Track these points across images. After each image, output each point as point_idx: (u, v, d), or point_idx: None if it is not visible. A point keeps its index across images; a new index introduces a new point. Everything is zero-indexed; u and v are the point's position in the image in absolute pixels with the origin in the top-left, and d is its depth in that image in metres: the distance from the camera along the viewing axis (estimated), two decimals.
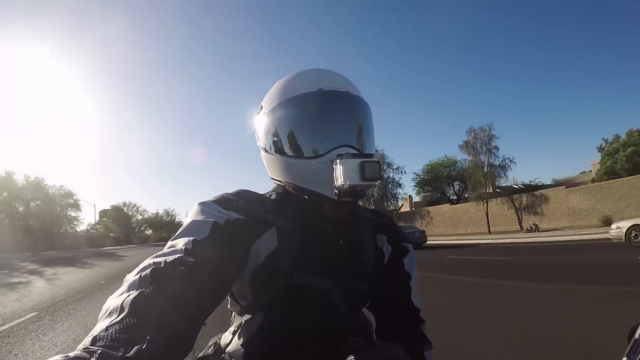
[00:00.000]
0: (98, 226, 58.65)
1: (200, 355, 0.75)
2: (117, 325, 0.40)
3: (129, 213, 69.18)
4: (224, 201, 0.66)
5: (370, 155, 0.67)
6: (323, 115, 0.68)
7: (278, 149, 0.70)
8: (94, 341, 0.38)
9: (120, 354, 0.36)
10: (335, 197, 0.65)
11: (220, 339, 0.77)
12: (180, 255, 0.53)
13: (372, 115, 0.74)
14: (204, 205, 0.65)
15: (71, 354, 0.34)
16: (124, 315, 0.41)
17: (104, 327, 0.40)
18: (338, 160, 0.62)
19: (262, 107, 0.75)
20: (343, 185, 0.62)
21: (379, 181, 0.64)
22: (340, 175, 0.62)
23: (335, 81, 0.71)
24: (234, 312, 0.76)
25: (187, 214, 0.67)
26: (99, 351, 0.35)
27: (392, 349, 0.57)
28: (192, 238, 0.57)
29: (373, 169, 0.62)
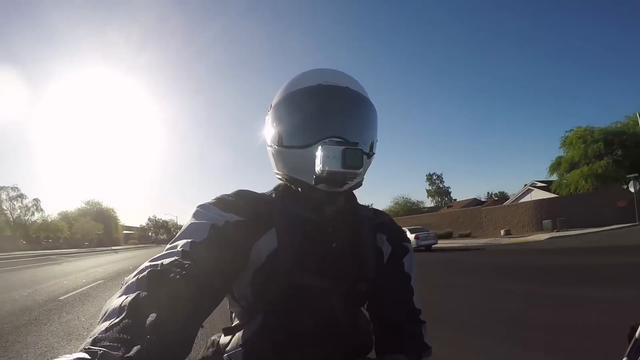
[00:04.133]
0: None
1: (200, 356, 0.75)
2: (117, 327, 0.40)
3: None
4: (223, 203, 0.67)
5: (355, 144, 0.66)
6: (317, 108, 0.69)
7: (275, 140, 0.72)
8: (95, 342, 0.38)
9: (121, 354, 0.37)
10: (313, 183, 0.65)
11: (219, 338, 0.77)
12: (177, 257, 0.53)
13: (371, 112, 0.73)
14: (203, 208, 0.65)
15: (73, 355, 0.34)
16: (123, 317, 0.42)
17: (104, 328, 0.40)
18: (320, 146, 0.63)
19: (270, 106, 0.77)
20: (322, 171, 0.62)
21: (360, 170, 0.63)
22: (319, 160, 0.62)
23: (336, 78, 0.72)
24: (233, 313, 0.76)
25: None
26: (101, 351, 0.36)
27: None
28: (190, 240, 0.57)
29: (354, 156, 0.62)
